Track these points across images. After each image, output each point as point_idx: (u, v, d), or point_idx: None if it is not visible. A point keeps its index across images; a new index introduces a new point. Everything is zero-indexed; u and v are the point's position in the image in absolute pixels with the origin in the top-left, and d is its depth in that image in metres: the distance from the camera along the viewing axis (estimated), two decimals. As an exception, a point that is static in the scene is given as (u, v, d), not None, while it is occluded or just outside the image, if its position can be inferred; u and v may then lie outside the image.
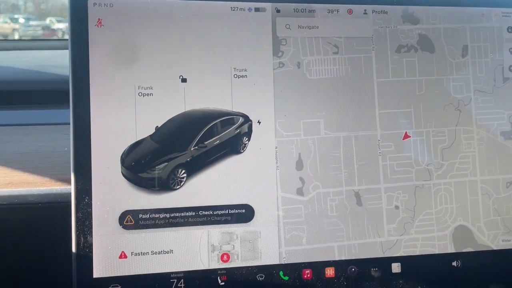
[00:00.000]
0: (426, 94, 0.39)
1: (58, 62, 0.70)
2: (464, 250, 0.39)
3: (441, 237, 0.39)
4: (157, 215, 0.34)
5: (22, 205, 0.39)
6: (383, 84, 0.38)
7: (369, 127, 0.38)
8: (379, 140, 0.38)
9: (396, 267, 0.37)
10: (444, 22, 0.39)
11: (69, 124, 0.50)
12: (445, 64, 0.39)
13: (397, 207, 0.38)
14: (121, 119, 0.34)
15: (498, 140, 0.40)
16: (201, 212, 0.35)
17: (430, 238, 0.38)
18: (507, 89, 0.40)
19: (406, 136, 0.38)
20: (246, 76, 0.36)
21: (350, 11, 0.38)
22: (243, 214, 0.35)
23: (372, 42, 0.38)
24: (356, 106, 0.38)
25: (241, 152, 0.36)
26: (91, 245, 0.33)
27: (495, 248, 0.39)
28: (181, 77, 0.35)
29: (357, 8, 0.38)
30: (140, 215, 0.34)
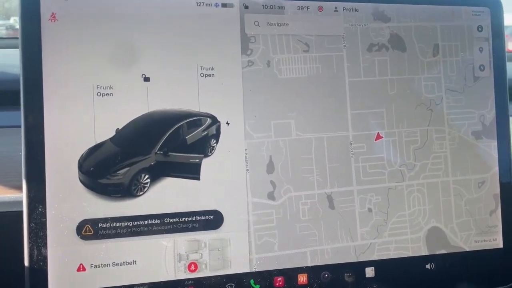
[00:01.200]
0: (398, 94, 0.38)
1: (8, 61, 0.66)
2: (437, 252, 0.38)
3: (415, 239, 0.38)
4: (118, 224, 0.32)
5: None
6: (355, 83, 0.37)
7: (341, 128, 0.37)
8: (351, 141, 0.37)
9: (370, 272, 0.36)
10: (414, 20, 0.39)
11: (19, 127, 0.47)
12: (416, 63, 0.38)
13: (370, 210, 0.37)
14: (78, 121, 0.31)
15: (469, 140, 0.39)
16: (166, 220, 0.33)
17: (403, 241, 0.38)
18: (477, 89, 0.40)
19: (378, 136, 0.37)
20: (213, 75, 0.34)
21: (320, 8, 0.37)
22: (211, 220, 0.34)
23: (343, 41, 0.37)
24: (328, 106, 0.36)
25: (209, 155, 0.34)
26: (45, 257, 0.30)
27: (467, 250, 0.39)
28: (143, 76, 0.33)
29: (328, 5, 0.37)
30: (100, 224, 0.31)
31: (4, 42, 0.79)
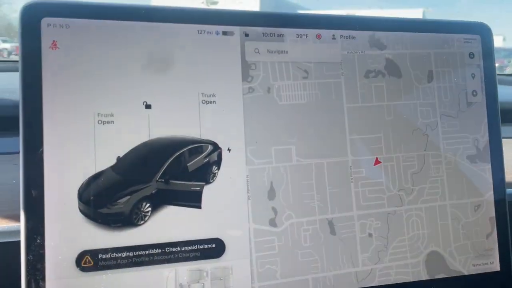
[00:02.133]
0: (395, 119, 0.38)
1: (6, 85, 0.65)
2: (437, 277, 0.38)
3: (415, 264, 0.38)
4: (119, 254, 0.31)
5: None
6: (353, 109, 0.37)
7: (341, 153, 0.37)
8: (350, 166, 0.37)
9: (372, 298, 0.36)
10: (409, 47, 0.39)
11: (16, 153, 0.46)
12: (412, 89, 0.39)
13: (370, 235, 0.37)
14: (79, 149, 0.31)
15: (465, 164, 0.40)
16: (167, 249, 0.32)
17: (404, 266, 0.38)
18: (471, 113, 0.41)
19: (377, 161, 0.38)
20: (214, 101, 0.34)
21: (318, 36, 0.37)
22: (213, 249, 0.33)
23: (341, 67, 0.38)
24: (327, 132, 0.37)
25: (210, 182, 0.34)
26: (43, 291, 0.29)
27: (466, 273, 0.39)
28: (145, 103, 0.33)
29: (326, 33, 0.37)
30: (100, 255, 0.31)
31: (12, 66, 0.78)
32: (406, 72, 0.39)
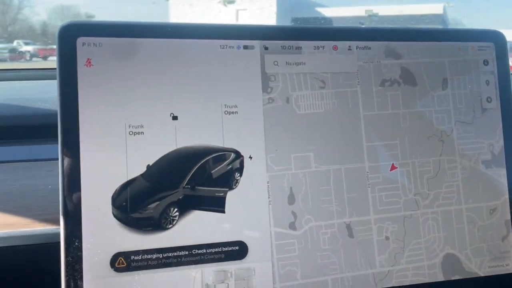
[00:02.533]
0: (410, 126, 0.40)
1: (35, 94, 0.69)
2: (452, 278, 0.39)
3: (431, 266, 0.39)
4: (150, 256, 0.33)
5: (5, 247, 0.38)
6: (369, 117, 0.39)
7: (358, 160, 0.38)
8: (367, 172, 0.39)
9: (389, 298, 0.38)
10: (424, 56, 0.41)
11: (50, 160, 0.49)
12: (427, 97, 0.40)
13: (387, 238, 0.38)
14: (112, 158, 0.33)
15: (480, 169, 0.41)
16: (194, 251, 0.34)
17: (420, 268, 0.39)
18: (486, 120, 0.42)
19: (393, 167, 0.39)
20: (236, 112, 0.36)
21: (335, 47, 0.39)
22: (236, 251, 0.35)
23: (357, 77, 0.39)
24: (344, 139, 0.38)
25: (233, 188, 0.36)
26: (81, 290, 0.32)
27: (482, 275, 0.40)
28: (172, 114, 0.35)
29: (342, 45, 0.39)
30: (132, 257, 0.33)
31: (40, 74, 0.82)
32: (421, 80, 0.40)
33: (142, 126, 0.34)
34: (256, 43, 0.37)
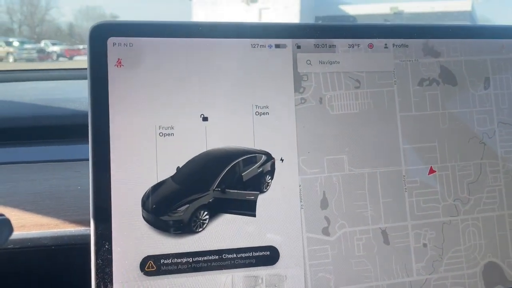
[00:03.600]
0: (450, 128, 0.38)
1: (62, 94, 0.70)
2: (495, 288, 0.37)
3: (471, 274, 0.37)
4: (179, 260, 0.33)
5: (36, 248, 0.38)
6: (406, 118, 0.37)
7: (394, 163, 0.37)
8: (404, 176, 0.37)
9: (426, 308, 0.36)
10: (464, 54, 0.39)
11: (78, 160, 0.49)
12: (467, 96, 0.38)
13: (425, 245, 0.37)
14: (142, 160, 0.33)
15: (524, 173, 0.39)
16: (224, 256, 0.33)
17: (459, 276, 0.37)
18: (531, 121, 0.39)
19: (431, 171, 0.37)
20: (267, 113, 0.35)
21: (370, 46, 0.37)
22: (267, 256, 0.34)
23: (394, 76, 0.37)
24: (380, 141, 0.37)
25: (264, 192, 0.35)
26: (111, 293, 0.31)
27: (527, 286, 0.38)
28: (202, 115, 0.34)
29: (378, 43, 0.37)
30: (162, 260, 0.32)
31: (69, 74, 0.83)
32: (461, 80, 0.38)
33: (172, 128, 0.33)
34: (288, 42, 0.36)
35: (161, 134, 0.33)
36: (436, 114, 0.38)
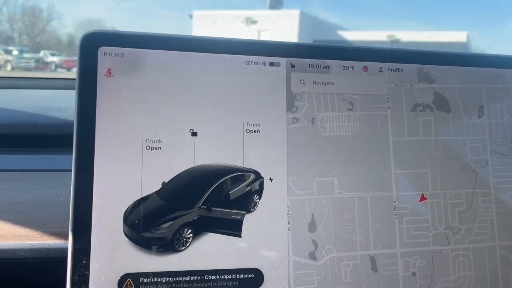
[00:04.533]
0: (442, 155, 0.37)
1: (53, 104, 0.69)
2: (484, 322, 0.36)
3: (460, 307, 0.36)
4: (159, 279, 0.31)
5: (12, 260, 0.36)
6: (399, 143, 0.37)
7: (385, 188, 0.36)
8: (395, 202, 0.36)
9: None
10: (459, 82, 0.39)
11: (64, 171, 0.48)
12: (461, 124, 0.38)
13: (414, 274, 0.36)
14: (127, 173, 0.32)
15: (517, 204, 0.38)
16: (206, 277, 0.32)
17: (448, 308, 0.36)
18: (524, 152, 0.39)
19: (422, 198, 0.37)
20: (258, 131, 0.34)
21: (365, 68, 0.37)
22: (251, 279, 0.33)
23: (388, 100, 0.37)
24: (372, 165, 0.36)
25: (251, 211, 0.34)
26: (85, 311, 0.30)
27: (517, 321, 0.37)
28: (191, 130, 0.33)
29: (373, 66, 0.37)
30: (141, 279, 0.31)
31: (63, 83, 0.82)
32: (455, 107, 0.38)
33: (160, 141, 0.33)
34: (283, 60, 0.36)
35: (148, 148, 0.32)
36: (429, 141, 0.37)
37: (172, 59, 0.34)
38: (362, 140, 0.36)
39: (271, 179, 0.34)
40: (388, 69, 0.37)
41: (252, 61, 0.35)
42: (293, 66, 0.36)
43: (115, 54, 0.33)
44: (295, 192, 0.34)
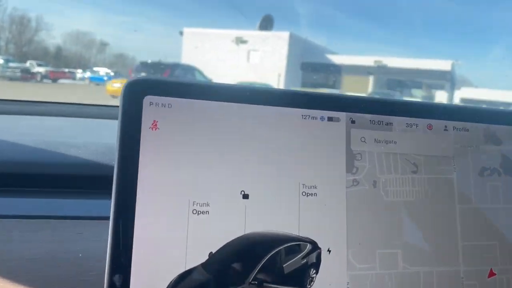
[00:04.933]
0: (512, 225, 0.34)
1: (66, 137, 0.64)
2: None
3: None
4: None
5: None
6: (466, 211, 0.33)
7: (452, 262, 0.32)
8: (462, 278, 0.32)
9: None
10: (527, 144, 0.35)
11: (82, 218, 0.43)
12: (531, 191, 0.35)
13: None
14: (170, 241, 0.28)
15: None
16: None
17: None
18: None
19: (491, 273, 0.33)
20: (315, 194, 0.31)
21: (430, 127, 0.34)
22: None
23: (454, 162, 0.34)
24: (437, 236, 0.32)
25: (307, 288, 0.29)
26: None
27: None
28: (242, 192, 0.29)
29: (437, 124, 0.34)
30: None
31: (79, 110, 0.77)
32: (524, 172, 0.35)
33: (208, 204, 0.29)
34: (342, 115, 0.32)
35: (194, 212, 0.28)
36: (497, 209, 0.34)
37: (224, 112, 0.30)
38: (427, 206, 0.33)
39: (329, 251, 0.30)
40: (454, 128, 0.34)
41: (309, 116, 0.32)
42: (353, 121, 0.32)
43: (162, 104, 0.29)
44: (355, 266, 0.30)
